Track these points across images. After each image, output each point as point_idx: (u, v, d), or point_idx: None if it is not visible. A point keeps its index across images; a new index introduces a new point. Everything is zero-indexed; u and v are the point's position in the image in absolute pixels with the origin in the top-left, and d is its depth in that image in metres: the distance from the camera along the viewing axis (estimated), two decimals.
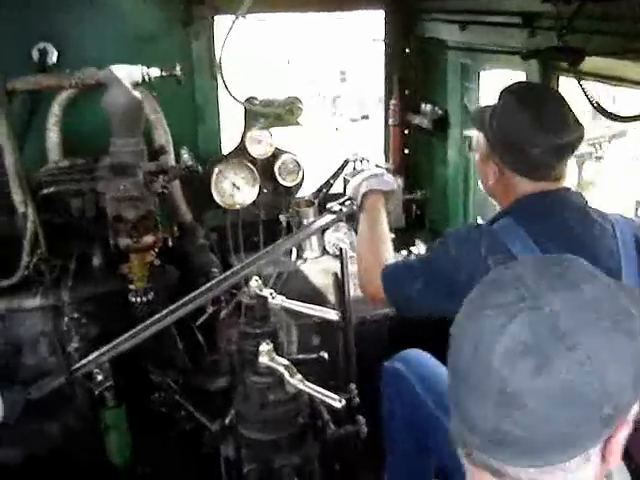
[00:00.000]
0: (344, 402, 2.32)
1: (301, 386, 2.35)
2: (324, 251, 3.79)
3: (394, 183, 2.73)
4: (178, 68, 2.95)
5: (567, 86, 2.96)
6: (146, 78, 2.89)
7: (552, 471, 1.05)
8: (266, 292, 2.61)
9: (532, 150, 2.08)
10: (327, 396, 2.33)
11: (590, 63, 2.60)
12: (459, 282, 1.97)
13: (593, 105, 2.56)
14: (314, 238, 3.64)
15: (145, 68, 2.89)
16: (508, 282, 1.10)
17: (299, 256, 3.71)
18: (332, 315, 2.69)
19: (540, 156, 2.08)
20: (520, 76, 3.17)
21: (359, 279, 2.52)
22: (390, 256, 2.43)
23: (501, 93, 2.22)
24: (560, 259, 1.15)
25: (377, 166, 3.52)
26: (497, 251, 1.97)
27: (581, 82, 2.56)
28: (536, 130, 2.06)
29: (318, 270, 3.69)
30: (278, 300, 2.63)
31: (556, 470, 1.05)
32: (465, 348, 1.08)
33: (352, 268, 3.33)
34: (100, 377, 2.75)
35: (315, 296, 3.48)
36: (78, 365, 2.74)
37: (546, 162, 2.10)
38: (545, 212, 2.08)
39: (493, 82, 3.91)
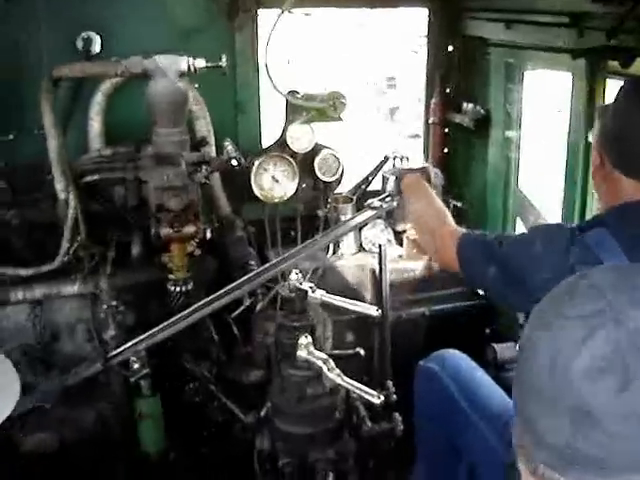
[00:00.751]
0: (382, 398, 2.31)
1: (339, 380, 2.35)
2: (361, 247, 3.78)
3: (425, 163, 2.75)
4: (224, 60, 2.95)
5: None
6: (192, 69, 2.89)
7: None
8: (306, 286, 2.61)
9: (636, 144, 1.94)
10: (365, 392, 2.33)
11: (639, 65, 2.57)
12: (536, 281, 1.90)
13: None
14: (351, 234, 3.63)
15: (191, 59, 2.90)
16: (585, 293, 1.05)
17: (335, 252, 3.70)
18: (372, 311, 2.67)
19: None
20: (566, 77, 3.15)
21: (427, 245, 2.50)
22: (452, 221, 2.41)
23: (622, 86, 2.11)
24: (636, 268, 1.10)
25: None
26: (588, 262, 1.79)
27: None
28: None
29: (354, 266, 3.67)
30: (318, 294, 2.63)
31: None
32: (540, 360, 1.03)
33: (389, 265, 3.35)
34: (136, 365, 2.76)
35: (350, 292, 3.47)
36: (115, 353, 2.76)
37: None
38: None
39: (536, 83, 3.90)
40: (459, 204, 4.03)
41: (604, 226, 1.90)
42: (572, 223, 2.96)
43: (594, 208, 3.08)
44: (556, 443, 1.00)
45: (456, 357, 2.75)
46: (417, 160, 2.95)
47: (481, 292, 3.30)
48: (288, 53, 13.75)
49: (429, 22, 4.14)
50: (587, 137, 3.00)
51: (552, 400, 1.01)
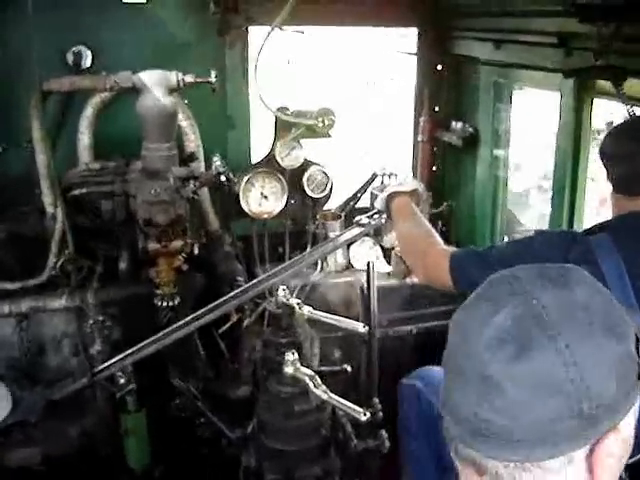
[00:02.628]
0: (368, 415, 2.30)
1: (325, 397, 2.34)
2: (349, 264, 3.78)
3: (415, 184, 2.76)
4: (213, 75, 2.95)
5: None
6: (181, 84, 2.89)
7: (532, 469, 1.04)
8: (293, 302, 2.60)
9: (628, 164, 2.13)
10: (351, 409, 2.31)
11: (628, 84, 2.59)
12: None
13: None
14: (340, 251, 3.63)
15: (180, 74, 2.90)
16: (504, 280, 1.13)
17: (323, 268, 3.70)
18: (359, 328, 2.67)
19: (635, 170, 2.12)
20: (554, 97, 3.17)
21: (417, 266, 2.50)
22: (441, 241, 2.44)
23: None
24: (562, 267, 1.16)
25: (404, 177, 3.51)
26: (584, 262, 1.88)
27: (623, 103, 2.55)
28: (634, 144, 2.12)
29: (342, 283, 3.67)
30: (305, 311, 2.62)
31: (536, 469, 1.04)
32: (455, 337, 1.12)
33: (377, 282, 3.35)
34: (122, 380, 2.75)
35: (338, 309, 3.47)
36: (101, 367, 2.74)
37: None
38: None
39: (524, 103, 3.92)
40: (445, 220, 4.05)
41: (606, 231, 2.04)
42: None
43: (583, 223, 3.11)
44: (467, 415, 1.06)
45: (439, 373, 2.74)
46: (406, 176, 2.95)
47: None
48: (288, 53, 13.78)
49: (419, 41, 4.17)
50: (576, 155, 3.04)
51: (461, 372, 1.07)
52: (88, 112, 3.25)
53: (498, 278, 1.15)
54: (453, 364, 1.10)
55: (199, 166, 3.33)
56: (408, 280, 3.72)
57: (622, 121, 2.39)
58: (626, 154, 2.14)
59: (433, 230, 2.52)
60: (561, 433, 1.01)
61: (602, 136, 2.31)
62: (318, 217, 3.69)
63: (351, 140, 9.84)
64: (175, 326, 2.71)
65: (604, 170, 2.24)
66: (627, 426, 1.08)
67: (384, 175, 3.50)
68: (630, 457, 1.14)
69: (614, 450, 1.06)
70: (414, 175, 4.35)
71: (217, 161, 3.34)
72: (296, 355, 2.39)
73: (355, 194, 3.79)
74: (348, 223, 3.34)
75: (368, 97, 14.11)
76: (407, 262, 2.66)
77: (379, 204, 2.80)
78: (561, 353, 1.01)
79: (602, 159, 2.23)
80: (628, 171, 2.14)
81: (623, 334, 1.07)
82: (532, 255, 2.01)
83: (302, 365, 2.41)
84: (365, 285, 3.29)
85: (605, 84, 2.73)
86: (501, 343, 1.03)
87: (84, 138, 3.27)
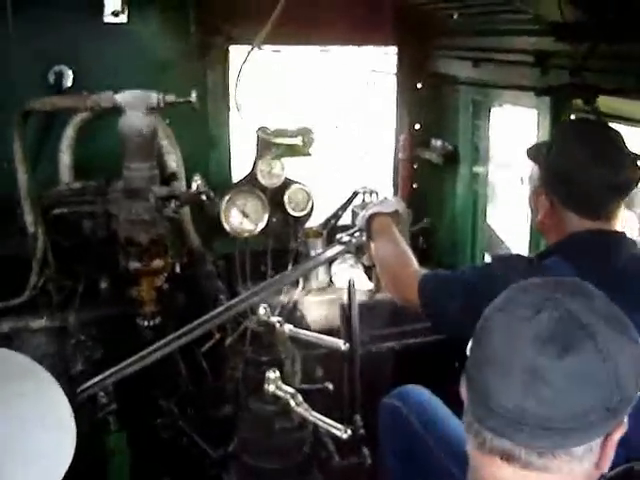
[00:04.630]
0: (349, 433, 2.31)
1: (307, 415, 2.35)
2: (330, 282, 3.79)
3: (397, 204, 2.77)
4: (194, 95, 2.97)
5: None
6: (161, 104, 2.90)
7: (561, 456, 1.17)
8: (274, 320, 2.61)
9: (584, 184, 2.03)
10: (332, 426, 2.33)
11: (602, 102, 2.63)
12: None
13: None
14: (321, 268, 3.64)
15: (161, 94, 2.92)
16: (532, 288, 1.28)
17: (305, 286, 3.71)
18: (340, 345, 2.67)
19: (592, 191, 2.03)
20: (532, 114, 3.20)
21: (390, 287, 2.51)
22: (416, 263, 2.43)
23: (559, 126, 2.22)
24: (575, 280, 1.33)
25: (385, 197, 3.53)
26: None
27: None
28: (590, 164, 2.01)
29: (323, 301, 3.69)
30: (286, 328, 2.63)
31: (564, 455, 1.17)
32: (495, 335, 1.22)
33: (359, 299, 3.36)
34: (104, 400, 2.74)
35: (320, 327, 3.48)
36: (83, 387, 2.73)
37: (598, 198, 2.04)
38: (599, 255, 2.01)
39: (503, 119, 3.96)
40: (426, 237, 4.07)
41: (558, 254, 2.02)
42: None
43: None
44: (508, 405, 1.16)
45: (418, 392, 2.75)
46: (386, 197, 2.97)
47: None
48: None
49: (398, 59, 4.20)
50: None
51: (506, 365, 1.18)
52: (69, 132, 3.25)
53: (528, 286, 1.29)
54: (493, 358, 1.21)
55: (180, 185, 3.34)
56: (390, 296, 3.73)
57: (567, 124, 2.31)
58: (579, 165, 2.03)
59: (409, 251, 2.52)
60: (592, 422, 1.15)
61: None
62: (300, 235, 3.70)
63: (332, 158, 9.87)
64: (157, 345, 2.70)
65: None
66: (625, 421, 1.23)
67: (365, 193, 3.51)
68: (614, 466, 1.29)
69: (616, 441, 1.22)
70: (395, 192, 4.38)
71: (198, 180, 3.34)
72: (277, 373, 2.40)
73: (336, 212, 3.79)
74: (329, 241, 3.35)
75: (348, 115, 14.17)
76: (382, 282, 2.66)
77: (360, 222, 2.81)
78: (600, 351, 1.15)
79: (553, 181, 2.13)
80: (583, 188, 2.04)
81: (635, 336, 1.23)
82: (494, 279, 1.95)
83: (284, 383, 2.42)
84: (346, 302, 3.31)
85: (581, 101, 2.77)
86: (546, 341, 1.16)
87: (65, 157, 3.26)
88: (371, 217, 2.72)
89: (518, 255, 2.24)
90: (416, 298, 2.26)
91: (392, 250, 2.54)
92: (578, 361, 1.15)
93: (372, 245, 2.72)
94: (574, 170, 2.05)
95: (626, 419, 1.22)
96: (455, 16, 3.43)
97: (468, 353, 1.29)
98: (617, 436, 1.21)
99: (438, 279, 2.28)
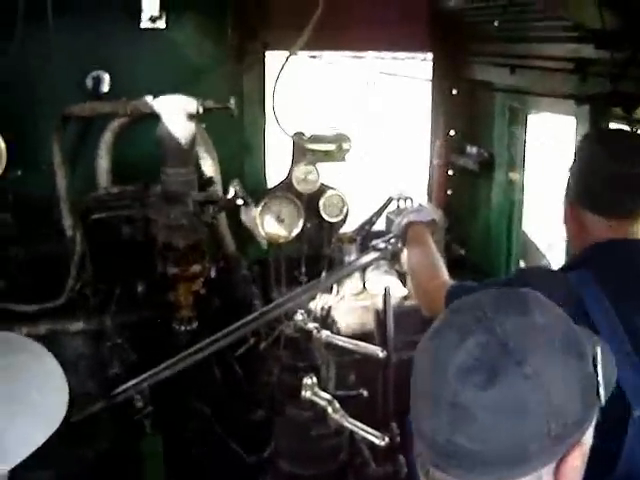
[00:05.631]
0: (387, 440, 2.30)
1: (344, 422, 2.34)
2: (364, 288, 3.79)
3: (434, 214, 2.76)
4: (232, 102, 2.98)
5: None
6: (200, 110, 2.92)
7: None
8: (311, 326, 2.61)
9: (599, 179, 1.96)
10: (370, 433, 2.32)
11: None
12: None
13: None
14: (356, 275, 3.63)
15: (200, 100, 2.93)
16: (467, 307, 1.17)
17: (338, 292, 3.71)
18: (378, 352, 2.67)
19: (608, 185, 1.96)
20: (570, 121, 3.18)
21: (418, 297, 2.50)
22: (446, 275, 2.41)
23: (583, 135, 2.17)
24: (521, 291, 1.21)
25: (420, 204, 3.52)
26: (571, 303, 1.71)
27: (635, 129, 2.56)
28: (607, 160, 1.96)
29: (357, 307, 3.68)
30: (323, 335, 2.63)
31: None
32: (423, 364, 1.14)
33: (394, 305, 3.35)
34: (140, 403, 2.76)
35: (353, 333, 3.47)
36: (119, 390, 2.75)
37: (618, 195, 1.97)
38: (622, 266, 1.93)
39: (540, 126, 3.93)
40: (462, 250, 4.05)
41: (582, 265, 1.94)
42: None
43: None
44: (439, 440, 1.08)
45: None
46: (422, 204, 2.96)
47: None
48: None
49: (434, 66, 4.20)
50: None
51: (432, 399, 1.09)
52: (107, 136, 3.28)
53: (462, 305, 1.19)
54: (422, 391, 1.12)
55: (217, 190, 3.35)
56: None
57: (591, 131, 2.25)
58: (595, 162, 1.99)
59: (440, 263, 2.50)
60: (532, 452, 1.06)
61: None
62: (334, 241, 3.70)
63: (367, 164, 9.88)
64: (192, 350, 2.72)
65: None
66: (588, 439, 1.13)
67: (400, 199, 3.51)
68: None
69: (578, 463, 1.11)
70: (429, 199, 4.37)
71: (236, 185, 3.36)
72: (314, 379, 2.40)
73: (371, 218, 3.80)
74: (363, 246, 3.35)
75: (383, 121, 14.18)
76: (412, 291, 2.65)
77: (395, 229, 2.81)
78: (529, 378, 1.05)
79: (573, 184, 2.07)
80: (598, 182, 1.98)
81: (582, 353, 1.12)
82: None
83: (320, 389, 2.42)
84: (382, 309, 3.30)
85: (620, 110, 2.74)
86: (470, 371, 1.06)
87: (103, 162, 3.30)
88: (407, 225, 2.71)
89: (546, 269, 2.19)
90: (443, 310, 2.25)
91: (423, 261, 2.54)
92: (503, 392, 1.05)
93: (407, 254, 2.71)
94: (590, 167, 2.00)
95: (588, 437, 1.13)
96: (495, 23, 3.40)
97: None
98: (576, 459, 1.10)
99: (464, 290, 2.26)
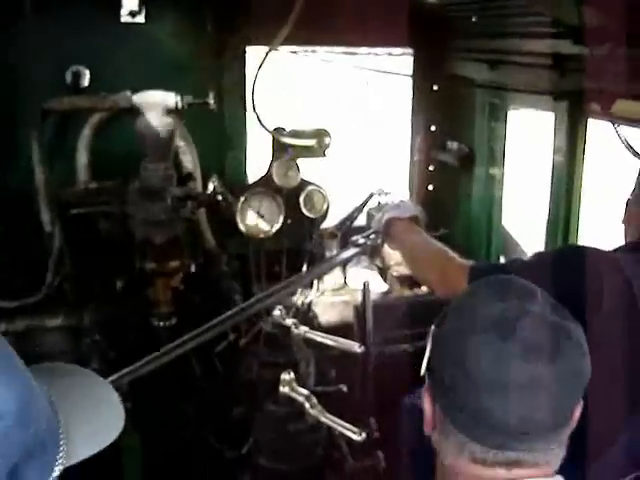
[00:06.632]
0: (364, 435, 2.31)
1: (321, 417, 2.34)
2: (345, 283, 3.79)
3: (415, 209, 2.75)
4: (211, 96, 2.98)
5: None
6: (179, 105, 2.91)
7: (555, 448, 1.23)
8: (289, 322, 2.61)
9: None
10: (347, 428, 2.32)
11: (621, 106, 2.61)
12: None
13: (625, 145, 2.56)
14: (336, 270, 3.63)
15: (179, 95, 2.92)
16: (491, 302, 1.26)
17: (319, 287, 3.71)
18: (355, 347, 2.67)
19: None
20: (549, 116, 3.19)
21: (436, 282, 2.48)
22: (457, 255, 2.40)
23: None
24: (515, 283, 1.33)
25: (401, 200, 3.52)
26: (620, 283, 1.80)
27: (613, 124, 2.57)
28: None
29: (337, 302, 3.68)
30: (301, 330, 2.63)
31: (557, 446, 1.23)
32: (480, 359, 1.20)
33: (373, 301, 3.36)
34: None
35: (334, 328, 3.47)
36: None
37: None
38: None
39: (519, 121, 3.94)
40: (442, 240, 4.05)
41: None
42: None
43: (577, 242, 3.12)
44: (510, 421, 1.18)
45: None
46: (402, 200, 2.96)
47: None
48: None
49: (414, 61, 4.20)
50: (571, 175, 3.05)
51: (502, 384, 1.18)
52: (86, 131, 3.27)
53: (483, 300, 1.28)
54: (487, 382, 1.19)
55: (196, 186, 3.35)
56: (404, 298, 3.73)
57: None
58: None
59: (445, 246, 2.51)
60: (571, 416, 1.22)
61: None
62: (315, 236, 3.70)
63: (347, 159, 9.88)
64: (171, 345, 2.71)
65: None
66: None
67: (380, 195, 3.51)
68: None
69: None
70: (410, 194, 4.38)
71: (215, 181, 3.35)
72: (292, 375, 2.40)
73: (352, 213, 3.79)
74: (345, 242, 3.35)
75: (363, 116, 14.18)
76: (423, 277, 2.63)
77: (375, 225, 2.81)
78: (580, 348, 1.21)
79: None
80: None
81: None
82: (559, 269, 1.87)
83: (298, 385, 2.42)
84: (360, 304, 3.30)
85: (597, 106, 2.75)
86: (534, 350, 1.17)
87: (82, 157, 3.28)
88: (388, 221, 2.70)
89: (590, 247, 2.11)
90: (462, 287, 2.24)
91: (431, 247, 2.52)
92: (568, 364, 1.19)
93: (393, 248, 2.71)
94: None
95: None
96: (474, 19, 3.41)
97: (445, 379, 1.27)
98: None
99: (490, 268, 2.26)
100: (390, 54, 4.29)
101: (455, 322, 1.31)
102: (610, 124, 2.70)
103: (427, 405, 1.35)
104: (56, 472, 0.96)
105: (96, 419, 1.09)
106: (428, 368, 1.36)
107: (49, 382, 1.00)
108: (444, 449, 1.31)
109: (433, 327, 1.39)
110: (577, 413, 1.25)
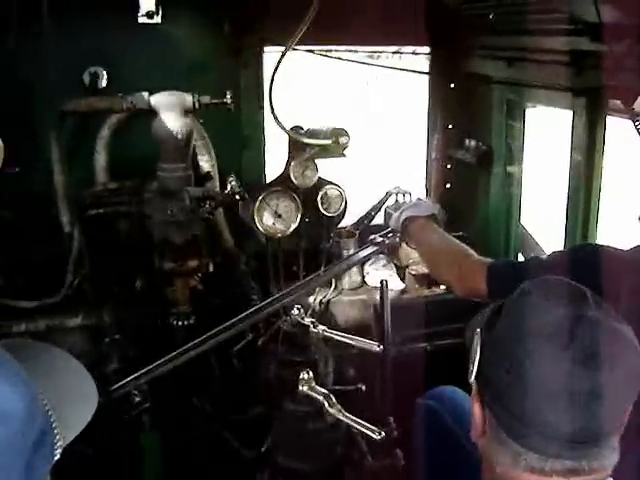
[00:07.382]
0: (383, 434, 2.30)
1: (340, 416, 2.34)
2: (363, 282, 3.79)
3: (433, 208, 2.75)
4: (229, 96, 2.98)
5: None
6: (197, 105, 2.92)
7: (611, 454, 1.24)
8: (307, 321, 2.62)
9: None
10: (366, 427, 2.32)
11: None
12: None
13: None
14: (354, 268, 3.63)
15: (196, 96, 2.93)
16: (550, 307, 1.27)
17: (337, 287, 3.71)
18: (373, 346, 2.67)
19: None
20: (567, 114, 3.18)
21: (454, 279, 2.46)
22: (475, 253, 2.40)
23: None
24: (569, 286, 1.34)
25: (418, 199, 3.51)
26: None
27: (635, 121, 2.55)
28: None
29: (356, 301, 3.68)
30: (319, 329, 2.63)
31: (613, 452, 1.25)
32: (540, 367, 1.20)
33: (391, 299, 3.35)
34: (138, 399, 2.75)
35: (352, 327, 3.47)
36: (116, 386, 2.75)
37: None
38: None
39: (537, 119, 3.93)
40: (460, 238, 4.04)
41: None
42: None
43: (596, 240, 3.10)
44: (568, 430, 1.18)
45: (454, 393, 2.73)
46: (420, 199, 2.96)
47: None
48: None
49: (431, 60, 4.19)
50: (589, 173, 3.04)
51: (563, 393, 1.19)
52: (104, 132, 3.29)
53: (544, 304, 1.28)
54: (545, 391, 1.20)
55: (214, 186, 3.36)
56: (422, 297, 3.72)
57: None
58: None
59: (463, 244, 2.51)
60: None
61: None
62: (332, 235, 3.70)
63: (365, 158, 9.87)
64: (190, 345, 2.72)
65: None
66: None
67: (398, 193, 3.51)
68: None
69: None
70: (427, 192, 4.37)
71: (232, 181, 3.35)
72: (311, 374, 2.40)
73: (369, 212, 3.80)
74: (362, 241, 3.35)
75: (381, 115, 14.15)
76: (441, 276, 2.62)
77: (393, 223, 2.80)
78: (635, 348, 1.22)
79: None
80: None
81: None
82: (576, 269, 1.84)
83: (317, 384, 2.42)
84: (379, 303, 3.30)
85: (618, 103, 2.73)
86: (591, 358, 1.18)
87: (100, 158, 3.31)
88: (407, 220, 2.70)
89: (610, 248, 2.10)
90: (483, 286, 2.24)
91: (447, 244, 2.52)
92: (626, 369, 1.19)
93: (410, 246, 2.70)
94: None
95: None
96: (491, 16, 3.39)
97: (500, 385, 1.28)
98: None
99: (508, 265, 2.26)
100: (414, 52, 4.26)
101: (509, 327, 1.30)
102: (629, 121, 2.68)
103: (477, 410, 1.34)
104: (57, 456, 0.98)
105: (74, 393, 1.10)
106: (479, 373, 1.34)
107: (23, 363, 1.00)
108: (495, 457, 1.30)
109: (479, 330, 1.37)
110: (627, 415, 1.26)
